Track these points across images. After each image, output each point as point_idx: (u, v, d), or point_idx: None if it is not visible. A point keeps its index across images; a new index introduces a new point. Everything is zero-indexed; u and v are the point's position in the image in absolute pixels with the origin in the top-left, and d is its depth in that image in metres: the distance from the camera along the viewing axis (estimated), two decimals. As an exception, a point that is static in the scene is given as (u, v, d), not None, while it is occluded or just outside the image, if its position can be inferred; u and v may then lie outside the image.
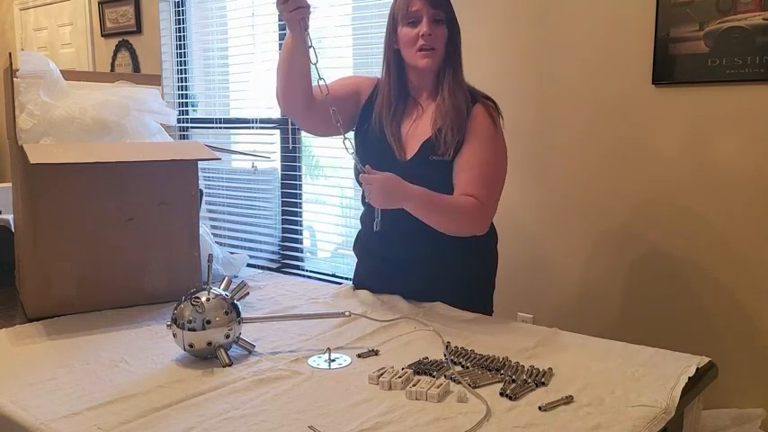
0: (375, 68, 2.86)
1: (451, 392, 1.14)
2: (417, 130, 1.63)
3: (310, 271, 3.19)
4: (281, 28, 3.18)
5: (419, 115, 1.65)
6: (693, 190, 2.09)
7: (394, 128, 1.64)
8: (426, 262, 1.66)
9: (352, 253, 1.89)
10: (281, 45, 3.18)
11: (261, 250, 3.39)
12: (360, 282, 1.81)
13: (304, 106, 1.63)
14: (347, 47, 3.03)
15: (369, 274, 1.80)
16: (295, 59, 1.55)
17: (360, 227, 1.83)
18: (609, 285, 2.28)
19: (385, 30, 1.64)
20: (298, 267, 3.25)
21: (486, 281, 1.77)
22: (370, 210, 1.70)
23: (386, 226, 1.50)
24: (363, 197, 1.60)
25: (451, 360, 1.27)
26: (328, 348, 1.31)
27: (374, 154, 1.61)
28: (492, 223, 1.71)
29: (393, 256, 1.70)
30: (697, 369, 1.22)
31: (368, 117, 1.69)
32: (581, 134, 2.28)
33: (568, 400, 1.11)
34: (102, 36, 4.08)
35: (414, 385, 1.14)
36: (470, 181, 1.54)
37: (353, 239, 1.86)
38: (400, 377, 1.17)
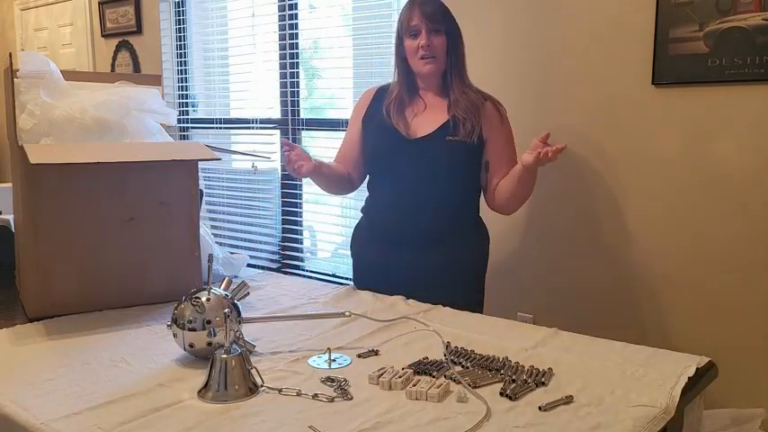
0: (375, 69, 2.86)
1: (451, 392, 1.14)
2: (426, 119, 1.84)
3: (310, 271, 3.19)
4: (281, 28, 3.18)
5: (423, 110, 1.86)
6: (693, 190, 2.09)
7: (400, 116, 1.85)
8: (421, 240, 1.82)
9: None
10: (281, 45, 3.20)
11: (261, 250, 3.39)
12: (357, 277, 1.95)
13: (354, 182, 2.00)
14: (347, 47, 3.03)
15: (364, 270, 1.95)
16: (331, 184, 1.94)
17: (357, 221, 2.00)
18: (609, 285, 2.28)
19: (394, 42, 1.88)
20: (298, 267, 3.25)
21: (473, 267, 1.90)
22: (376, 195, 1.93)
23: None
24: (371, 185, 1.92)
25: (451, 360, 1.27)
26: (328, 348, 1.31)
27: (382, 137, 1.85)
28: (479, 215, 1.96)
29: (388, 237, 1.85)
30: (697, 369, 1.22)
31: (373, 115, 1.91)
32: (581, 134, 2.28)
33: (568, 400, 1.11)
34: (103, 36, 4.09)
35: (414, 385, 1.14)
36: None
37: (350, 240, 1.95)
38: (400, 377, 1.17)
